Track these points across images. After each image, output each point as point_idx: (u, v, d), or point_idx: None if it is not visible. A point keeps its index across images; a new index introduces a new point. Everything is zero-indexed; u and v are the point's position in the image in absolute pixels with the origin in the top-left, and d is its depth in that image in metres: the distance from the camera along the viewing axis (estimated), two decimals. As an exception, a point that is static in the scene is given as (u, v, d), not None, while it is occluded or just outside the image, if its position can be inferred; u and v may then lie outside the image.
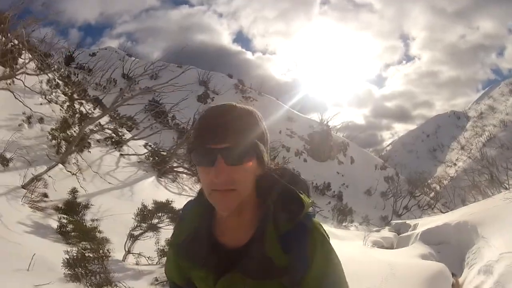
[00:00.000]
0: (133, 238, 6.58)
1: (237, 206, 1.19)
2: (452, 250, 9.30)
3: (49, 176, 8.77)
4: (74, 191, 8.10)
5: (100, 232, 6.36)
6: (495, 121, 63.59)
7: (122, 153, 13.23)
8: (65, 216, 7.06)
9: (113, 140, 13.34)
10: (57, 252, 5.26)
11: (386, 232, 16.06)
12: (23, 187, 7.78)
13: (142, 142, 15.97)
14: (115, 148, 13.10)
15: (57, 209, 7.51)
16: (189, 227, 1.33)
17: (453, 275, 7.92)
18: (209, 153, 1.13)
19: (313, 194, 21.85)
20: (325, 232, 1.26)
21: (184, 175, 15.51)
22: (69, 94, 13.57)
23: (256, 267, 1.19)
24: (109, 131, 13.72)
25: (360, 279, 6.56)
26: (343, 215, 23.09)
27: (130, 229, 6.73)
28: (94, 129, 12.70)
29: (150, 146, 16.03)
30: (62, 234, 6.46)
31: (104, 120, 14.25)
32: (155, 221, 6.72)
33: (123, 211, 8.27)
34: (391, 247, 12.69)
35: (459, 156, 64.36)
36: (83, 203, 7.78)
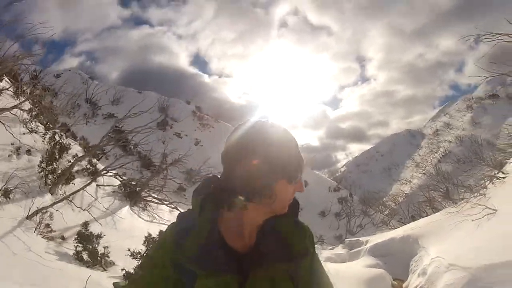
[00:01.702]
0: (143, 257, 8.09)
1: None
2: (398, 260, 10.64)
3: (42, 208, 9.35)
4: (86, 224, 9.42)
5: (108, 257, 7.90)
6: (451, 137, 64.59)
7: (98, 184, 14.09)
8: (80, 244, 8.41)
9: (89, 171, 14.14)
10: (87, 273, 6.66)
11: (339, 249, 17.55)
12: (27, 218, 8.48)
13: (112, 172, 16.72)
14: (92, 179, 13.76)
15: (62, 238, 8.74)
16: (201, 236, 1.36)
17: (399, 280, 9.70)
18: (299, 173, 1.40)
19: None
20: (310, 230, 1.52)
21: (153, 204, 16.60)
22: (45, 123, 14.08)
23: (280, 253, 1.33)
24: (85, 163, 14.42)
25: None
26: None
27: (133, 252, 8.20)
28: (71, 161, 13.19)
29: (120, 176, 17.10)
30: (80, 259, 7.95)
31: (77, 149, 14.92)
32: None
33: (113, 239, 9.52)
34: (343, 262, 13.87)
35: (414, 174, 65.72)
36: (96, 233, 9.05)
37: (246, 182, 1.25)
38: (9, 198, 8.77)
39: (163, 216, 15.68)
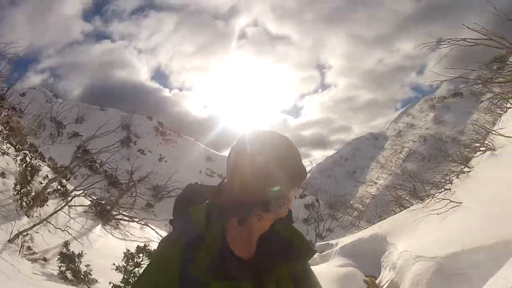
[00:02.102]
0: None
1: None
2: (368, 258, 11.15)
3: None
4: (67, 244, 9.79)
5: (91, 275, 8.29)
6: (414, 137, 64.86)
7: (70, 204, 14.11)
8: (63, 264, 8.76)
9: (60, 192, 14.14)
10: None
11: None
12: (9, 241, 8.65)
13: (81, 191, 16.75)
14: (63, 199, 13.87)
15: (44, 259, 9.01)
16: (212, 251, 1.37)
17: (371, 276, 10.29)
18: (297, 184, 1.37)
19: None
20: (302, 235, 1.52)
21: (124, 222, 16.78)
22: (15, 144, 14.10)
23: (286, 252, 1.39)
24: (55, 184, 14.39)
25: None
26: None
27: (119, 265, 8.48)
28: (42, 182, 13.28)
29: (90, 196, 17.15)
30: (64, 279, 8.39)
31: (46, 170, 15.02)
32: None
33: (90, 258, 9.72)
34: (315, 264, 13.86)
35: (380, 175, 66.45)
36: (77, 253, 9.31)
37: (263, 193, 1.28)
38: None
39: (135, 233, 16.00)
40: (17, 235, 9.00)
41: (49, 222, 11.02)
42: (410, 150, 61.55)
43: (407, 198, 19.26)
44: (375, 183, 64.32)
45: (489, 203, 7.40)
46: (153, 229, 17.04)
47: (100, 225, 14.57)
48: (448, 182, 11.81)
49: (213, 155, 41.42)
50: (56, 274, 8.63)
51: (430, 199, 11.11)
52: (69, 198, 14.30)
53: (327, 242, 19.89)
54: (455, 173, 12.28)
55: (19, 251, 8.57)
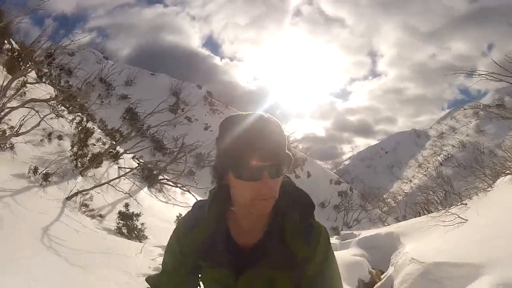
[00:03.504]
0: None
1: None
2: (382, 253, 12.17)
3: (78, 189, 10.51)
4: (127, 205, 11.41)
5: (143, 232, 9.97)
6: (455, 141, 63.57)
7: (119, 166, 15.52)
8: (122, 221, 10.28)
9: (110, 154, 15.28)
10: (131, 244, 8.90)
11: (333, 240, 19.25)
12: (67, 199, 9.66)
13: (131, 155, 18.21)
14: (114, 161, 15.23)
15: (100, 216, 10.40)
16: (207, 230, 1.51)
17: (379, 270, 11.59)
18: (255, 170, 1.30)
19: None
20: (327, 231, 1.56)
21: (169, 186, 18.21)
22: (68, 107, 14.89)
23: (277, 260, 1.43)
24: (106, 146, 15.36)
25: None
26: None
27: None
28: (95, 144, 14.56)
29: (137, 159, 18.84)
30: (120, 233, 9.88)
31: (98, 132, 16.27)
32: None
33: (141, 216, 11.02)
34: (334, 250, 15.74)
35: (416, 174, 66.38)
36: (136, 213, 10.81)
37: (233, 160, 1.33)
38: (49, 181, 9.77)
39: (176, 198, 17.24)
40: (76, 194, 10.00)
41: (110, 184, 12.09)
42: (448, 154, 60.96)
43: (437, 202, 19.46)
44: (410, 181, 64.21)
45: (487, 225, 8.42)
46: (193, 196, 18.14)
47: (146, 187, 15.86)
48: (468, 197, 12.31)
49: None
50: (113, 229, 9.96)
51: (444, 210, 11.83)
52: (119, 159, 15.73)
53: (352, 232, 20.97)
54: (479, 189, 12.62)
55: (78, 208, 9.68)
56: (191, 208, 1.64)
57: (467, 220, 9.44)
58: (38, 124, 10.70)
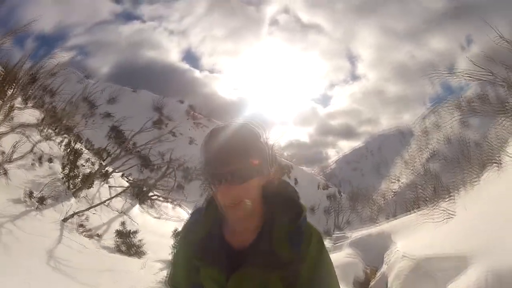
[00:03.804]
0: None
1: (247, 213, 1.46)
2: (375, 252, 12.48)
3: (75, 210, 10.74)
4: (123, 223, 11.82)
5: (141, 247, 10.25)
6: (439, 136, 65.03)
7: (110, 185, 15.67)
8: (120, 239, 10.56)
9: (101, 173, 15.28)
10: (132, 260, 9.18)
11: (325, 243, 19.76)
12: (63, 220, 9.87)
13: (119, 173, 18.35)
14: (104, 181, 15.36)
15: (98, 235, 10.61)
16: (202, 230, 1.58)
17: (373, 268, 11.98)
18: (216, 176, 1.41)
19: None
20: (319, 233, 1.60)
21: (160, 202, 18.48)
22: (54, 129, 14.95)
23: (264, 261, 1.45)
24: (96, 166, 15.42)
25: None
26: None
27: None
28: (84, 165, 14.59)
29: (126, 177, 19.07)
30: (119, 251, 10.16)
31: (85, 152, 16.19)
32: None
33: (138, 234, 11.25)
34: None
35: (403, 171, 66.18)
36: (133, 230, 11.11)
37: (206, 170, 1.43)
38: (44, 204, 9.96)
39: (168, 212, 17.61)
40: (72, 215, 10.24)
41: (105, 204, 12.46)
42: (434, 149, 61.05)
43: (426, 198, 19.33)
44: (398, 180, 64.07)
45: (474, 218, 8.79)
46: (184, 209, 18.53)
47: (137, 204, 16.06)
48: (455, 191, 12.39)
49: None
50: (112, 247, 10.23)
51: (432, 206, 12.13)
52: (108, 179, 15.84)
53: (343, 233, 21.28)
54: (466, 182, 12.57)
55: (76, 229, 9.95)
56: (190, 215, 1.74)
57: (455, 214, 9.83)
58: (32, 150, 11.11)
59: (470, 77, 11.89)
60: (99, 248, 9.77)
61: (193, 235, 1.62)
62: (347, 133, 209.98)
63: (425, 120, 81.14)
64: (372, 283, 10.64)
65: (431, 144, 65.54)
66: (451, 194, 12.22)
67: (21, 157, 10.52)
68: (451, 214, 9.88)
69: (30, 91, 15.25)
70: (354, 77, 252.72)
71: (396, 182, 63.73)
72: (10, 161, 9.94)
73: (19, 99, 14.03)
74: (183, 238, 1.69)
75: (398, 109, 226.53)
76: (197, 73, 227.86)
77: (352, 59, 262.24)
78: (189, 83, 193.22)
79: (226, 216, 1.52)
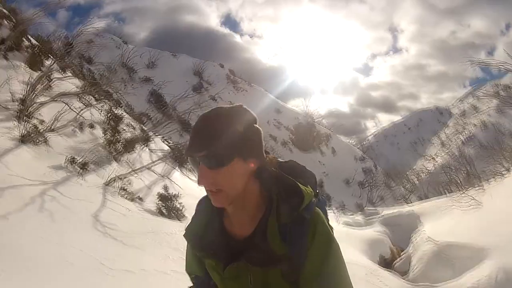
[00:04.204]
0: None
1: (231, 202, 1.44)
2: (403, 231, 12.99)
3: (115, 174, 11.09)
4: (166, 187, 12.44)
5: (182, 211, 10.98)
6: (477, 120, 61.93)
7: (150, 149, 16.14)
8: (161, 203, 11.13)
9: (142, 137, 15.82)
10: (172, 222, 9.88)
11: (358, 216, 20.12)
12: (106, 184, 10.28)
13: (160, 137, 18.89)
14: (144, 145, 15.72)
15: (139, 198, 11.05)
16: (203, 220, 1.59)
17: (399, 247, 12.40)
18: (194, 161, 1.42)
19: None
20: (327, 223, 1.48)
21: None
22: (93, 95, 15.09)
23: (258, 255, 1.42)
24: (137, 131, 16.19)
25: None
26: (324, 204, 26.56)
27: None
28: (125, 129, 15.06)
29: (167, 141, 19.65)
30: (161, 214, 10.75)
31: (126, 117, 16.62)
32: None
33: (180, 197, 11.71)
34: (359, 227, 16.20)
35: (438, 152, 65.97)
36: (175, 194, 11.72)
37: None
38: (86, 169, 10.28)
39: None
40: (114, 179, 10.59)
41: (148, 168, 12.96)
42: (470, 133, 60.02)
43: (458, 182, 19.22)
44: (433, 159, 63.70)
45: (498, 210, 9.08)
46: None
47: (177, 168, 16.46)
48: (486, 180, 12.79)
49: (281, 107, 42.69)
50: (154, 210, 10.67)
51: (462, 192, 12.46)
52: (147, 142, 16.20)
53: (375, 209, 21.69)
54: (496, 173, 13.11)
55: (118, 193, 10.29)
56: (196, 205, 1.72)
57: (481, 204, 10.07)
58: (76, 118, 11.62)
59: (504, 68, 11.87)
60: (142, 211, 10.18)
61: (194, 225, 1.62)
62: (387, 106, 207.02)
63: (464, 102, 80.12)
64: (396, 263, 11.07)
65: (468, 127, 64.68)
66: (481, 182, 12.43)
67: (64, 126, 10.90)
68: (478, 204, 10.08)
69: (67, 60, 15.51)
70: (396, 49, 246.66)
71: (431, 161, 63.21)
72: (52, 130, 10.38)
73: (56, 67, 14.08)
74: (187, 228, 1.66)
75: (438, 87, 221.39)
76: (237, 38, 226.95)
77: (393, 31, 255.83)
78: (229, 47, 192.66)
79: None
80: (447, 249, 8.14)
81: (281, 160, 1.61)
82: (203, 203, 1.64)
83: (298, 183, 1.47)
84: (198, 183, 1.42)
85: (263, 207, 1.48)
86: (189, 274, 1.74)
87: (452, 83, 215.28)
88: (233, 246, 1.50)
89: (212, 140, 1.36)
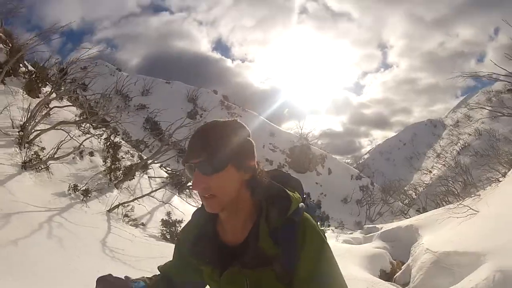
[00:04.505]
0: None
1: (223, 208, 1.47)
2: (402, 245, 13.19)
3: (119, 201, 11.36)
4: (169, 213, 12.65)
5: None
6: (471, 129, 63.76)
7: (149, 176, 16.39)
8: (165, 228, 11.42)
9: (141, 165, 15.70)
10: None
11: (357, 234, 20.33)
12: (108, 211, 10.62)
13: (158, 164, 19.09)
14: (143, 172, 16.01)
15: (142, 224, 11.36)
16: (196, 228, 1.62)
17: (399, 261, 12.64)
18: (190, 168, 1.46)
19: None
20: (316, 225, 1.51)
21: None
22: (91, 123, 14.92)
23: (251, 258, 1.45)
24: (135, 158, 16.54)
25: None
26: (321, 221, 25.92)
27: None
28: (124, 157, 15.30)
29: (165, 168, 19.86)
30: (165, 239, 10.95)
31: (124, 144, 17.01)
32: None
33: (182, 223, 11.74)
34: (358, 244, 16.43)
35: (434, 164, 66.29)
36: (177, 219, 11.92)
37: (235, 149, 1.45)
38: (89, 196, 10.57)
39: None
40: (117, 206, 10.95)
41: (150, 196, 13.12)
42: (465, 143, 60.35)
43: (456, 193, 19.69)
44: (430, 172, 64.16)
45: (494, 216, 9.35)
46: None
47: (176, 194, 16.75)
48: (482, 188, 13.05)
49: (276, 130, 43.17)
50: (158, 235, 10.90)
51: (458, 202, 12.63)
52: (148, 170, 16.48)
53: (374, 225, 21.84)
54: (491, 180, 13.37)
55: (122, 219, 10.63)
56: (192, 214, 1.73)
57: (478, 212, 10.36)
58: (77, 147, 11.82)
59: (493, 78, 12.21)
60: (146, 236, 10.46)
61: (187, 233, 1.67)
62: (380, 122, 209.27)
63: (457, 112, 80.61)
64: (397, 274, 11.32)
65: (462, 137, 64.90)
66: (478, 191, 12.72)
67: (65, 154, 11.07)
68: (474, 212, 10.39)
69: (63, 87, 15.65)
70: (386, 65, 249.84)
71: (428, 174, 63.53)
72: (55, 158, 10.58)
73: (54, 95, 14.03)
74: (180, 235, 1.74)
75: (429, 99, 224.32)
76: (228, 63, 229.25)
77: (382, 47, 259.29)
78: (221, 72, 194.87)
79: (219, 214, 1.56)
80: (445, 258, 8.40)
81: (267, 170, 1.64)
82: (197, 213, 1.67)
83: (286, 189, 1.52)
84: (192, 188, 1.48)
85: (255, 214, 1.51)
86: (161, 270, 1.81)
87: (444, 95, 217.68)
88: (227, 252, 1.53)
89: (207, 147, 1.42)
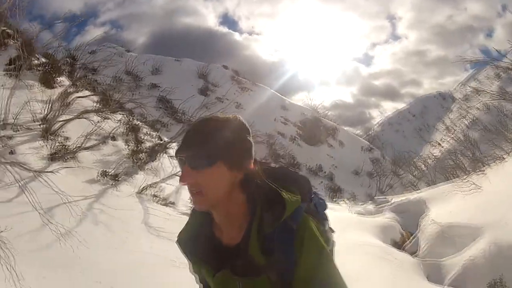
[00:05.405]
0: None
1: (211, 207, 1.49)
2: (411, 216, 13.96)
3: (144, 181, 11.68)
4: None
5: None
6: (479, 104, 63.60)
7: (169, 155, 16.25)
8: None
9: (160, 145, 16.26)
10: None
11: (369, 206, 21.13)
12: (137, 193, 10.96)
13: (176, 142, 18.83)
14: (163, 151, 16.03)
15: (171, 203, 11.79)
16: (193, 226, 1.64)
17: (408, 231, 13.67)
18: (180, 161, 1.48)
19: (307, 175, 24.96)
20: (315, 230, 1.45)
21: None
22: (110, 107, 14.96)
23: (241, 265, 1.44)
24: (154, 139, 16.97)
25: (342, 222, 12.13)
26: (333, 193, 27.56)
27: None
28: (144, 138, 15.80)
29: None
30: None
31: (144, 127, 17.47)
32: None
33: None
34: (370, 215, 17.16)
35: (444, 137, 65.72)
36: None
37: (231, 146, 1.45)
38: (118, 180, 10.93)
39: None
40: (145, 187, 11.27)
41: (176, 175, 13.35)
42: (474, 117, 58.49)
43: (464, 167, 19.50)
44: (439, 144, 63.86)
45: (495, 192, 10.25)
46: None
47: None
48: (487, 165, 13.56)
49: (287, 104, 43.44)
50: (188, 212, 11.62)
51: (465, 178, 13.29)
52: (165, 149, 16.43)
53: (385, 197, 22.59)
54: (496, 157, 13.78)
55: (152, 200, 10.93)
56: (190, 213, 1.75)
57: (481, 187, 11.21)
58: (109, 136, 12.66)
59: (494, 64, 12.71)
60: (179, 214, 10.96)
61: (185, 232, 1.68)
62: (390, 93, 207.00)
63: (466, 86, 79.11)
64: (406, 245, 12.35)
65: (472, 110, 64.14)
66: (483, 167, 13.46)
67: (95, 146, 11.66)
68: (478, 188, 11.23)
69: (78, 74, 16.05)
70: (395, 37, 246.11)
71: (438, 147, 63.56)
72: (86, 148, 11.21)
73: (69, 83, 14.33)
74: (179, 234, 1.72)
75: (439, 71, 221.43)
76: (236, 36, 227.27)
77: (391, 19, 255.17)
78: (230, 46, 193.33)
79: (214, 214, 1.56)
80: (449, 229, 9.37)
81: (274, 166, 1.66)
82: (195, 210, 1.68)
83: (282, 192, 1.46)
84: (180, 182, 1.48)
85: (249, 217, 1.50)
86: (192, 273, 1.80)
87: (453, 67, 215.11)
88: (223, 253, 1.52)
89: (197, 141, 1.44)
